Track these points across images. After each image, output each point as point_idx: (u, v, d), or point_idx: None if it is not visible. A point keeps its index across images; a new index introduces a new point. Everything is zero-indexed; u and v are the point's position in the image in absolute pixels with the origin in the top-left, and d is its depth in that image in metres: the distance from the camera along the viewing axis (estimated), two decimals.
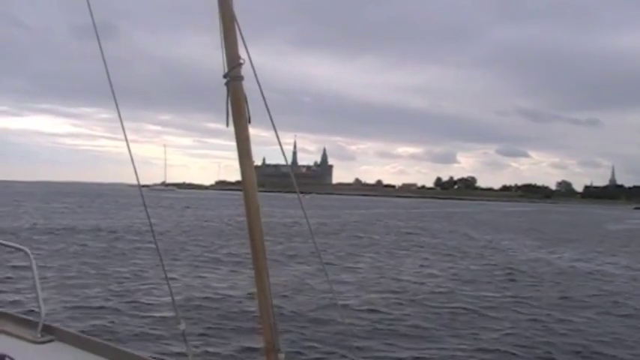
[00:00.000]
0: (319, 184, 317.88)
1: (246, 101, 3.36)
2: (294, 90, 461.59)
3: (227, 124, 3.32)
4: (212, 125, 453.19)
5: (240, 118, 3.35)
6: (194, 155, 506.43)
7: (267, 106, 3.42)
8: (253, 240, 3.41)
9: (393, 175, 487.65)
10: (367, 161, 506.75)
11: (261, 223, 3.42)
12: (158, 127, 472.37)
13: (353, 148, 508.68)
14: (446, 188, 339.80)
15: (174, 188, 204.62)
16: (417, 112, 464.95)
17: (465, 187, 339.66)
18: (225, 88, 3.37)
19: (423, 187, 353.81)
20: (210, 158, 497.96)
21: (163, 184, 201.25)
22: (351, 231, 45.38)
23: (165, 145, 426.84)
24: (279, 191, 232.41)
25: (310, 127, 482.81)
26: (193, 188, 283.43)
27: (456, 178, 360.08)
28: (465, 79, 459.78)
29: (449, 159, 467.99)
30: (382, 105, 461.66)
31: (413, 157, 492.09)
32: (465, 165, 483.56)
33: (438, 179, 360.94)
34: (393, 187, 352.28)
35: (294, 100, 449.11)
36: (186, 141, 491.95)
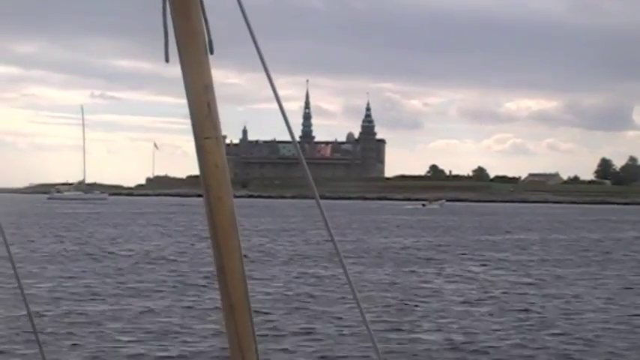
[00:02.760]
0: (360, 178, 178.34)
1: (204, 12, 1.80)
2: None
3: (166, 58, 1.81)
4: (127, 64, 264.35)
5: (192, 46, 1.79)
6: (96, 125, 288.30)
7: (247, 20, 1.82)
8: (226, 279, 1.80)
9: (502, 158, 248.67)
10: (448, 130, 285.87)
11: (241, 255, 1.80)
12: (16, 70, 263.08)
13: (415, 104, 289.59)
14: (622, 182, 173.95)
15: (104, 194, 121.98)
16: (546, 23, 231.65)
17: None
18: None
19: (575, 179, 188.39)
20: (128, 131, 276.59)
21: (81, 185, 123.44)
22: None
23: (82, 106, 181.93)
24: (281, 197, 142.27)
25: (330, 64, 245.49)
26: (110, 193, 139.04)
27: None
28: None
29: (617, 121, 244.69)
30: (475, 14, 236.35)
31: (541, 118, 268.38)
32: None
33: (604, 164, 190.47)
34: (513, 180, 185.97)
35: (295, 8, 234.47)
36: (78, 96, 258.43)
